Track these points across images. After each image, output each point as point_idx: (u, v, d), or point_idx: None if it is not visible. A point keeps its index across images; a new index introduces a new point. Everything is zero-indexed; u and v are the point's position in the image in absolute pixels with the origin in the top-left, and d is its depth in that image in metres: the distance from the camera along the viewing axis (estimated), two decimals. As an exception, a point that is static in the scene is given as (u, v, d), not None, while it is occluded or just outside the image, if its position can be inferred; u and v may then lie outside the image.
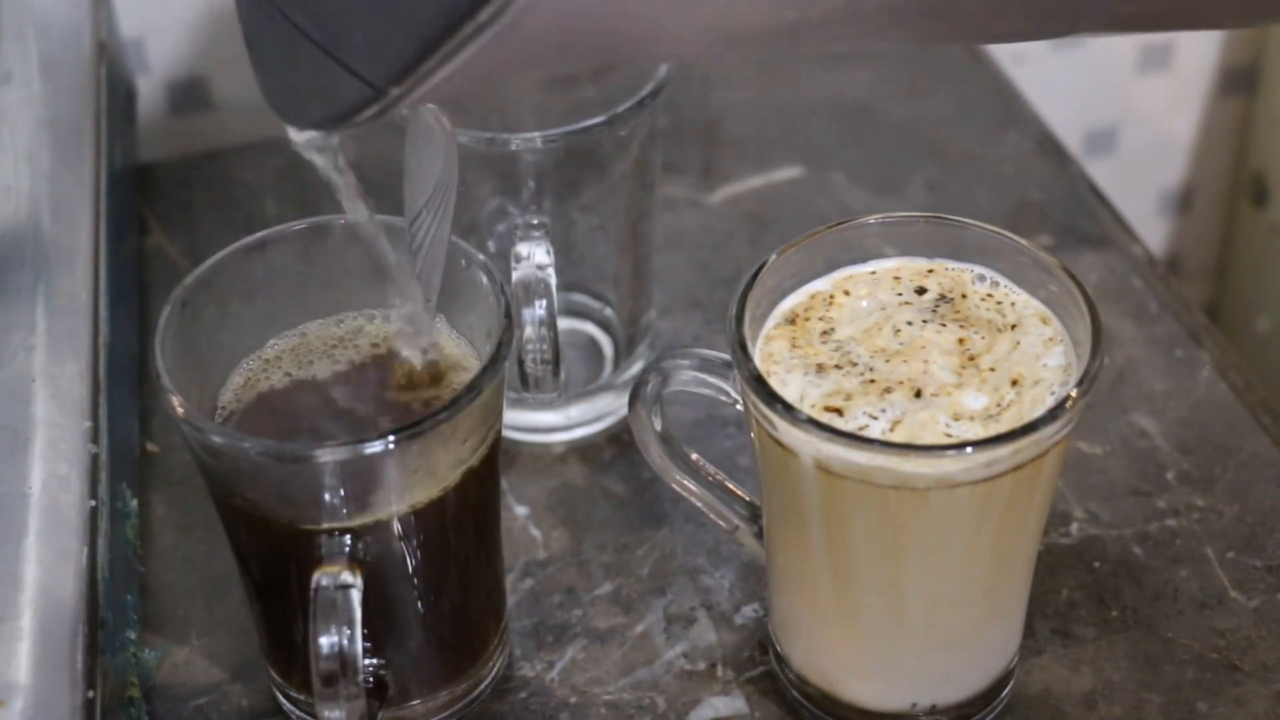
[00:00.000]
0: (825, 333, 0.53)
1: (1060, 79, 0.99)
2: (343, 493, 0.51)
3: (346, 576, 0.50)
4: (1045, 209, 0.78)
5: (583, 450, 0.68)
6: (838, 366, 0.52)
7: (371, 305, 0.57)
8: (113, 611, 0.56)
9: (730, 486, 0.58)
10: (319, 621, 0.50)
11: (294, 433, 0.54)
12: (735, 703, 0.58)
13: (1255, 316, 1.13)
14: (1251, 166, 1.07)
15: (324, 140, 0.50)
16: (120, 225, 0.72)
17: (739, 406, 0.53)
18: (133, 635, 0.59)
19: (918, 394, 0.51)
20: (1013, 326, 0.53)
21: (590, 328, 0.70)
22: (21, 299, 0.61)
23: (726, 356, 0.53)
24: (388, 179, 0.82)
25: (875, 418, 0.50)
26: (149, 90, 0.87)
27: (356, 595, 0.50)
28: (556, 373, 0.60)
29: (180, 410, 0.51)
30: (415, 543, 0.53)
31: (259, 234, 0.56)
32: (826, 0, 0.45)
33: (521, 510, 0.65)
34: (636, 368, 0.69)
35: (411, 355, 0.54)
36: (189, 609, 0.62)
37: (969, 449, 0.48)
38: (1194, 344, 0.70)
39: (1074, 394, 0.49)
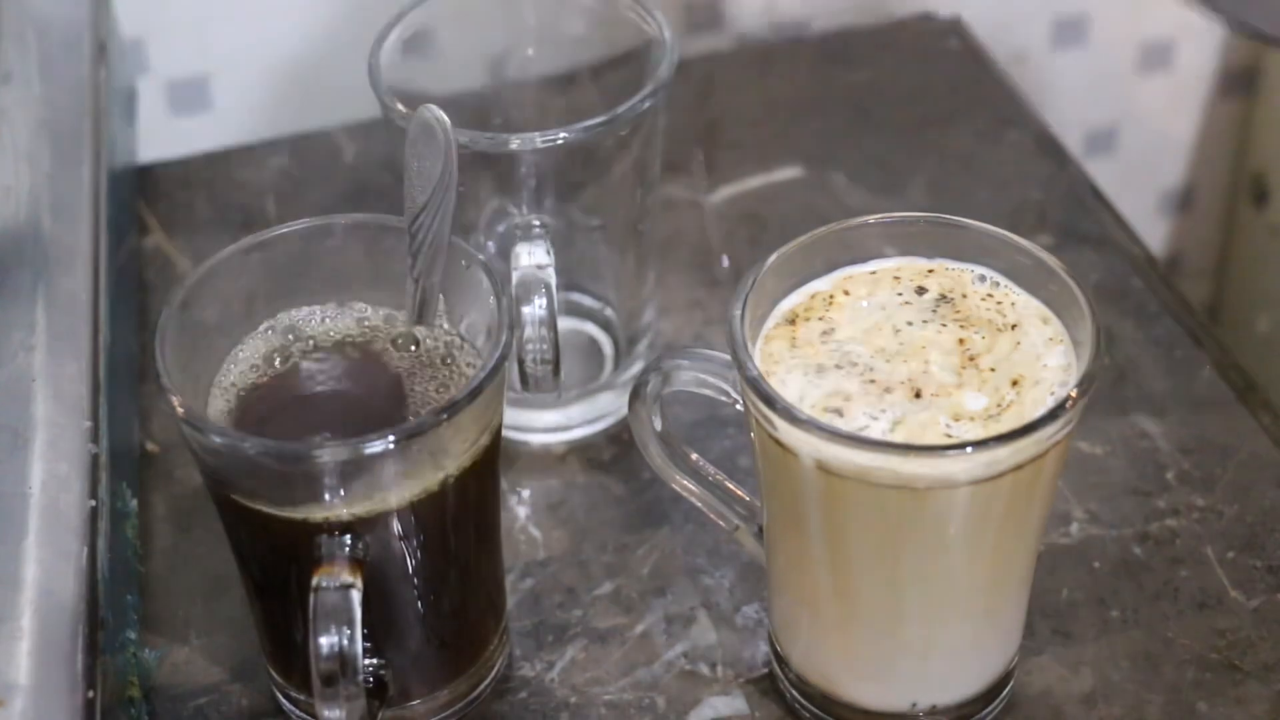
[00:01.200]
0: (825, 333, 0.53)
1: (1060, 79, 0.99)
2: (342, 492, 0.51)
3: (346, 577, 0.50)
4: (1045, 209, 0.78)
5: (583, 450, 0.68)
6: (838, 366, 0.52)
7: (368, 302, 0.57)
8: (113, 611, 0.56)
9: (730, 486, 0.58)
10: (319, 621, 0.50)
11: (288, 427, 0.54)
12: (735, 703, 0.58)
13: (1255, 316, 1.13)
14: (1251, 166, 1.07)
15: None
16: (120, 225, 0.72)
17: (739, 406, 0.53)
18: (133, 635, 0.59)
19: (918, 394, 0.51)
20: (1013, 326, 0.53)
21: (590, 328, 0.70)
22: (21, 299, 0.61)
23: (726, 356, 0.53)
24: (388, 179, 0.82)
25: (875, 418, 0.50)
26: (149, 90, 0.87)
27: (356, 595, 0.50)
28: (556, 373, 0.60)
29: (180, 410, 0.51)
30: (415, 542, 0.53)
31: (259, 234, 0.56)
32: None
33: (521, 510, 0.65)
34: (636, 368, 0.69)
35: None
36: (189, 609, 0.62)
37: (969, 449, 0.48)
38: (1194, 344, 0.70)
39: (1074, 394, 0.49)
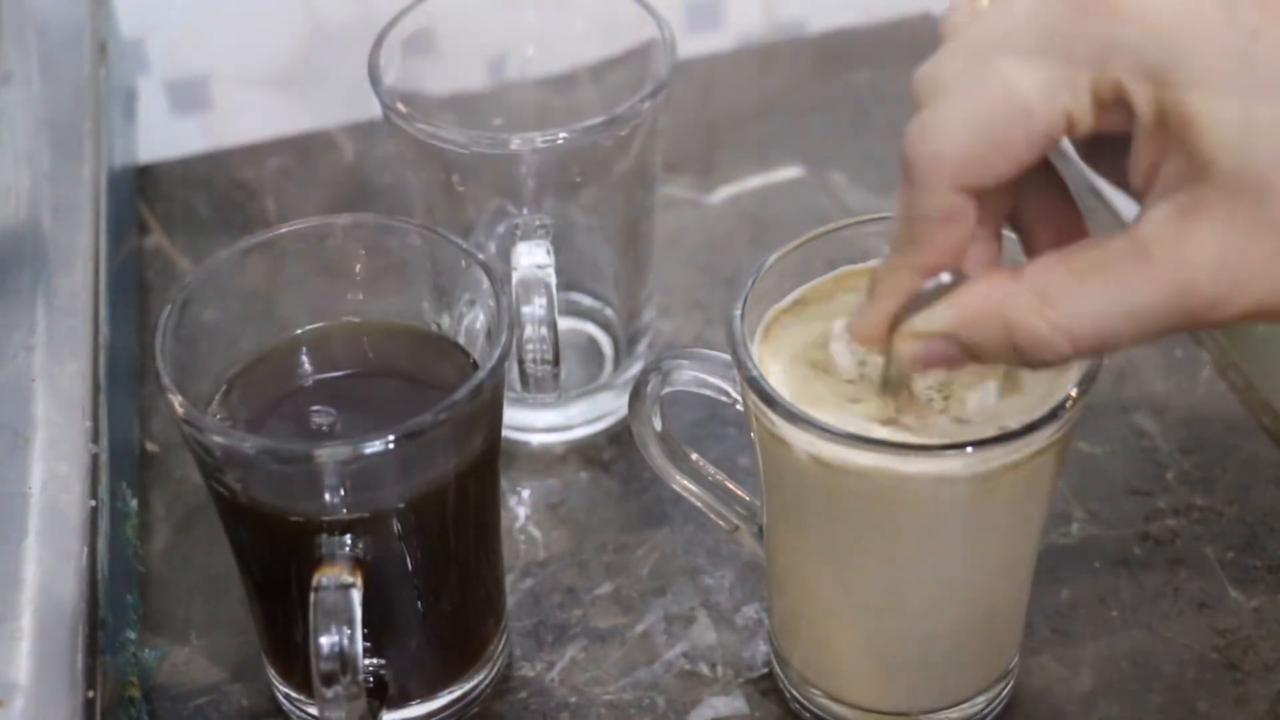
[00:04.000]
0: (825, 333, 0.53)
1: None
2: (342, 492, 0.51)
3: (346, 576, 0.50)
4: (1045, 209, 0.78)
5: (583, 450, 0.68)
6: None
7: (370, 305, 0.57)
8: (113, 611, 0.56)
9: (730, 486, 0.58)
10: (319, 621, 0.50)
11: (289, 427, 0.54)
12: (735, 703, 0.58)
13: (1255, 316, 1.12)
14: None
15: None
16: (120, 225, 0.72)
17: (739, 406, 0.53)
18: (133, 635, 0.59)
19: (917, 395, 0.51)
20: (1013, 326, 0.53)
21: (590, 328, 0.70)
22: (21, 299, 0.61)
23: (726, 356, 0.53)
24: (388, 179, 0.82)
25: (875, 419, 0.50)
26: (149, 90, 0.87)
27: (356, 595, 0.50)
28: (556, 373, 0.60)
29: (180, 410, 0.51)
30: (415, 542, 0.53)
31: (259, 234, 0.56)
32: None
33: (521, 510, 0.65)
34: (636, 368, 0.69)
35: None
36: (189, 609, 0.62)
37: (969, 449, 0.48)
38: (1194, 344, 0.70)
39: (1074, 394, 0.49)
